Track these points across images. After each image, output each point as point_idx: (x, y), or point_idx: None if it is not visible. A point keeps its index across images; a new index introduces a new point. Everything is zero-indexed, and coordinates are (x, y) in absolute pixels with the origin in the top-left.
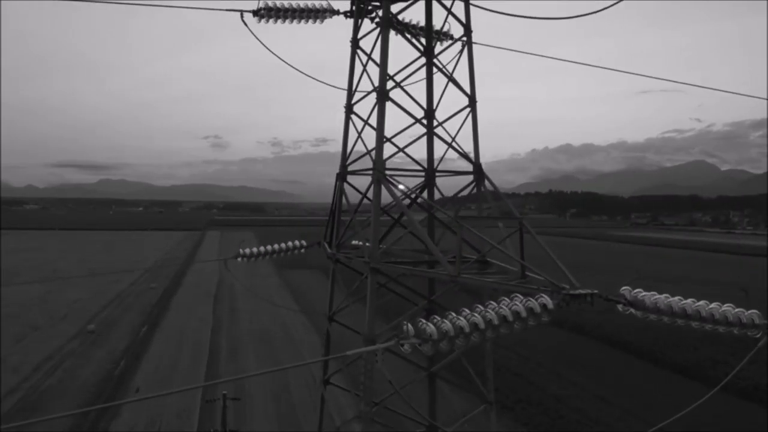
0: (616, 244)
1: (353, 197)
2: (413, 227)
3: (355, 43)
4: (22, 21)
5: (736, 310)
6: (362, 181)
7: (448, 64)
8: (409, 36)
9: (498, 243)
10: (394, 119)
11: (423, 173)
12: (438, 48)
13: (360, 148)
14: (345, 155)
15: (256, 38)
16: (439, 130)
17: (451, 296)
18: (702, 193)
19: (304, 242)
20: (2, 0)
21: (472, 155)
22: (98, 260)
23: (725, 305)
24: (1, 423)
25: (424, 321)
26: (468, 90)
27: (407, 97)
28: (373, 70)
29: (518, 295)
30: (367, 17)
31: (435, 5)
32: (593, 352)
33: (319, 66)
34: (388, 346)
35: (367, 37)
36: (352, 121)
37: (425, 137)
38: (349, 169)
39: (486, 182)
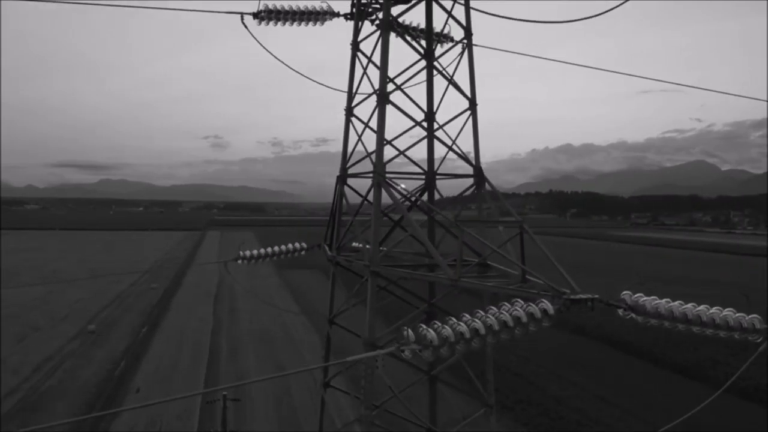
0: (616, 244)
1: (353, 199)
2: (413, 230)
3: (355, 46)
4: (22, 21)
5: (737, 314)
6: (362, 183)
7: (448, 66)
8: (409, 38)
9: (499, 246)
10: (395, 121)
11: (423, 176)
12: (438, 50)
13: (360, 150)
14: (345, 158)
15: (257, 41)
16: (439, 133)
17: (452, 299)
18: (702, 193)
19: (304, 244)
20: (2, 0)
21: (472, 157)
22: (98, 260)
23: (726, 310)
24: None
25: (424, 326)
26: (468, 93)
27: (407, 99)
28: (374, 73)
29: (519, 299)
30: (367, 19)
31: (435, 7)
32: (593, 353)
33: (319, 67)
34: (388, 351)
35: (368, 39)
36: (353, 123)
37: (425, 140)
38: (350, 171)
39: (486, 185)
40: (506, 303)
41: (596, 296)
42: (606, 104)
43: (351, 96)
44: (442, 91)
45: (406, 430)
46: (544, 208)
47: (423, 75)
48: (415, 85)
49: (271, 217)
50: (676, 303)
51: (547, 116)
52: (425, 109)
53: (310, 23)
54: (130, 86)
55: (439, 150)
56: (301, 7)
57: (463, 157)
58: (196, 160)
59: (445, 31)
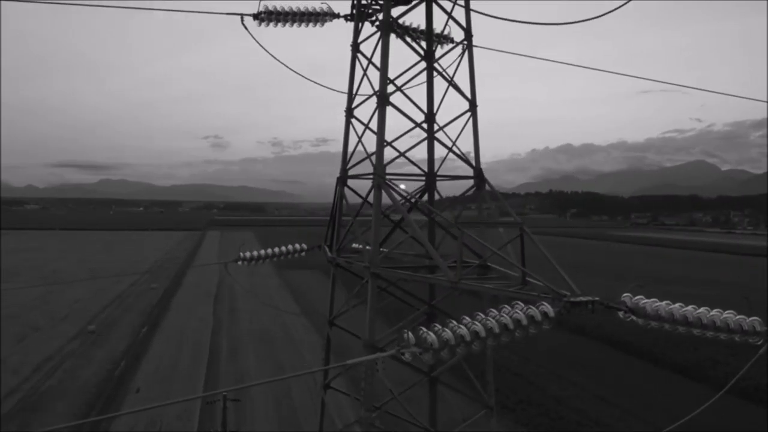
0: (616, 244)
1: (353, 199)
2: (414, 231)
3: (355, 47)
4: (22, 21)
5: (738, 317)
6: (363, 184)
7: (448, 67)
8: (409, 40)
9: (499, 248)
10: (395, 122)
11: (423, 177)
12: (439, 52)
13: (360, 151)
14: (345, 159)
15: (257, 42)
16: (439, 134)
17: (453, 300)
18: (702, 193)
19: (304, 245)
20: (2, 1)
21: (472, 158)
22: (98, 260)
23: (726, 312)
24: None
25: (424, 329)
26: (468, 94)
27: (408, 100)
28: (374, 74)
29: (519, 302)
30: (367, 21)
31: (435, 9)
32: (593, 353)
33: (319, 67)
34: (388, 354)
35: (368, 40)
36: (353, 124)
37: (426, 141)
38: (350, 173)
39: (486, 186)
40: (506, 305)
41: (596, 299)
42: (606, 104)
43: (351, 97)
44: (443, 93)
45: (406, 431)
46: (544, 208)
47: (423, 76)
48: (416, 86)
49: (271, 217)
50: (677, 305)
51: (547, 116)
52: (425, 110)
53: (310, 24)
54: (130, 86)
55: (440, 151)
56: (301, 9)
57: (464, 158)
58: (196, 160)
59: (446, 32)
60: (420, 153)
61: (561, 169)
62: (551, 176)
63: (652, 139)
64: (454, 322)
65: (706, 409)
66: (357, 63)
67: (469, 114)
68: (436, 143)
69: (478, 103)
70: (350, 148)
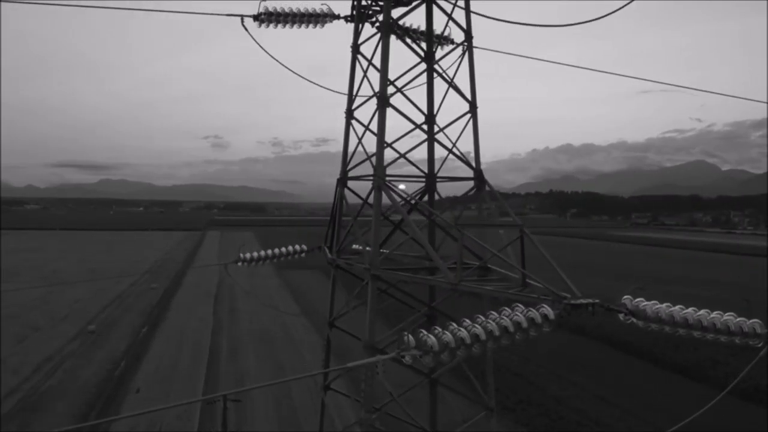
0: (616, 244)
1: (353, 200)
2: (414, 233)
3: (355, 49)
4: (22, 21)
5: (738, 319)
6: (363, 184)
7: (448, 68)
8: (409, 41)
9: (499, 250)
10: (395, 123)
11: (423, 178)
12: (439, 53)
13: (360, 152)
14: (345, 161)
15: (257, 44)
16: (440, 136)
17: (453, 301)
18: (702, 193)
19: (304, 246)
20: (3, 2)
21: (472, 159)
22: (98, 260)
23: (727, 314)
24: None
25: (425, 332)
26: (469, 96)
27: (408, 101)
28: (374, 75)
29: (519, 304)
30: (367, 22)
31: (436, 10)
32: (593, 353)
33: (319, 67)
34: (389, 357)
35: (368, 42)
36: (353, 126)
37: (426, 142)
38: (350, 174)
39: (487, 188)
40: (507, 308)
41: (597, 301)
42: (606, 104)
43: (351, 98)
44: (443, 94)
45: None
46: (545, 208)
47: (423, 77)
48: (416, 87)
49: (272, 217)
50: (677, 308)
51: (547, 116)
52: (425, 111)
53: (311, 25)
54: (130, 86)
55: (440, 152)
56: (302, 10)
57: (464, 160)
58: (197, 160)
59: (446, 34)
60: (420, 154)
61: (561, 169)
62: (551, 176)
63: (652, 139)
64: (454, 325)
65: (707, 410)
66: (357, 64)
67: (469, 115)
68: (436, 144)
69: (478, 104)
70: (350, 150)
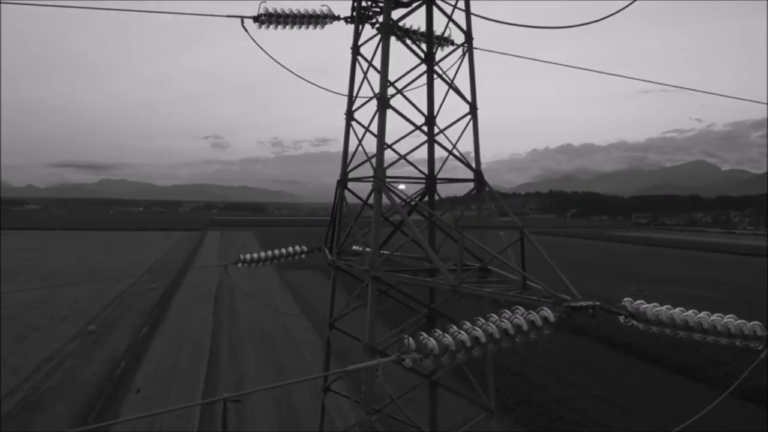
0: (616, 244)
1: (353, 201)
2: (414, 235)
3: (355, 50)
4: (22, 21)
5: (738, 321)
6: (363, 185)
7: (448, 70)
8: (409, 42)
9: (499, 252)
10: (395, 124)
11: (424, 180)
12: (439, 54)
13: (360, 153)
14: (345, 162)
15: (257, 45)
16: (440, 137)
17: (453, 303)
18: (702, 193)
19: (304, 248)
20: (3, 3)
21: (473, 161)
22: (98, 260)
23: (727, 316)
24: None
25: (425, 335)
26: (469, 97)
27: (408, 103)
28: (374, 77)
29: (519, 307)
30: (367, 23)
31: (436, 11)
32: (593, 353)
33: (320, 67)
34: (389, 360)
35: (368, 43)
36: (353, 127)
37: (426, 144)
38: (350, 175)
39: (487, 189)
40: (507, 310)
41: (597, 303)
42: (606, 104)
43: (351, 100)
44: (443, 95)
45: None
46: (545, 208)
47: (423, 78)
48: (416, 88)
49: (272, 217)
50: (677, 310)
51: (547, 116)
52: (426, 112)
53: (311, 27)
54: (130, 86)
55: (440, 153)
56: (302, 11)
57: (464, 161)
58: (197, 160)
59: (446, 35)
60: (420, 154)
61: (561, 169)
62: (551, 176)
63: (652, 139)
64: (455, 327)
65: (708, 410)
66: (357, 65)
67: (469, 117)
68: (436, 146)
69: (478, 104)
70: (350, 151)
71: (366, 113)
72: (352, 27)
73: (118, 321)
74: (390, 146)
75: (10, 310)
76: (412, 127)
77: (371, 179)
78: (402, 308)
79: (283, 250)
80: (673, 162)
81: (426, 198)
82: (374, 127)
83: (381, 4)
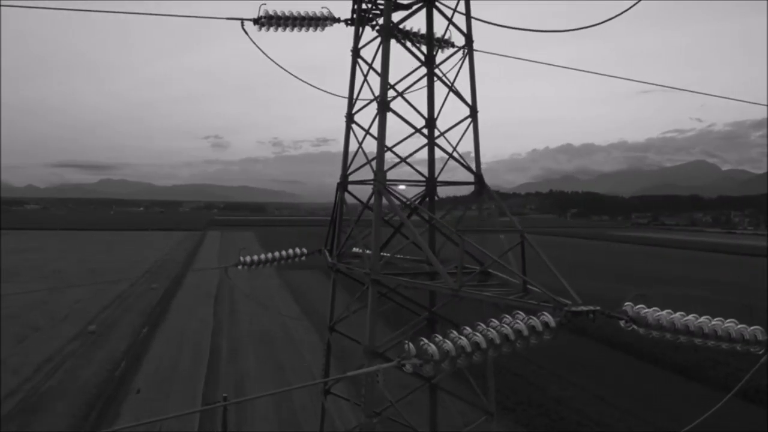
0: (616, 244)
1: (353, 202)
2: (414, 238)
3: (355, 52)
4: (22, 21)
5: (739, 326)
6: (363, 188)
7: (448, 72)
8: (409, 45)
9: (499, 256)
10: (395, 127)
11: (424, 183)
12: (440, 57)
13: (361, 155)
14: (345, 165)
15: (258, 47)
16: (440, 139)
17: (453, 306)
18: (703, 193)
19: (305, 250)
20: (2, 4)
21: (473, 163)
22: (98, 260)
23: (728, 321)
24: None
25: (425, 340)
26: (469, 100)
27: (408, 105)
28: (374, 79)
29: (520, 312)
30: (368, 25)
31: (436, 13)
32: (593, 353)
33: (320, 68)
34: (389, 366)
35: (369, 45)
36: (353, 130)
37: (426, 146)
38: (350, 178)
39: (488, 191)
40: (507, 315)
41: (597, 308)
42: (606, 104)
43: (351, 102)
44: (443, 98)
45: None
46: (545, 208)
47: (423, 81)
48: (416, 90)
49: (272, 217)
50: (678, 314)
51: (547, 116)
52: (426, 115)
53: (311, 29)
54: (130, 86)
55: (440, 155)
56: (302, 13)
57: (464, 164)
58: (197, 160)
59: (446, 37)
60: (420, 156)
61: (561, 169)
62: (551, 176)
63: (652, 139)
64: (455, 333)
65: (706, 410)
66: (357, 68)
67: (469, 119)
68: (436, 148)
69: (479, 105)
70: (351, 154)
71: (366, 115)
72: (352, 29)
73: (119, 321)
74: (390, 149)
75: (10, 310)
76: (412, 130)
77: (372, 182)
78: (403, 310)
79: (284, 252)
80: (673, 162)
81: (426, 200)
82: (374, 130)
83: (381, 7)
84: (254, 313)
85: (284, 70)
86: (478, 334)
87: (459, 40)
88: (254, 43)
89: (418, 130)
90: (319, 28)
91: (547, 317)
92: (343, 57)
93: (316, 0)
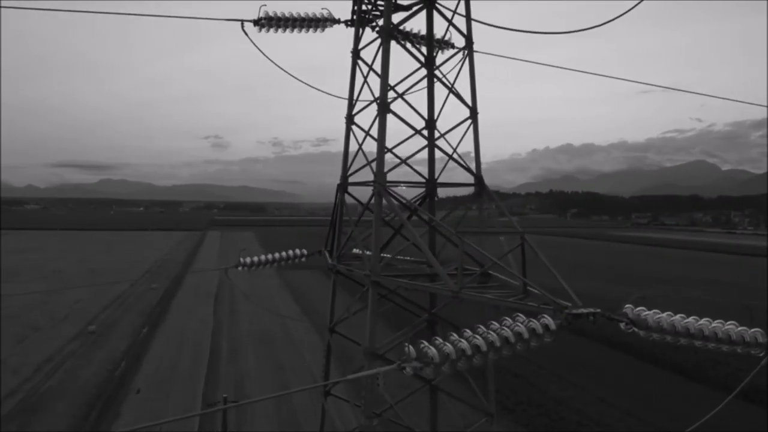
0: (616, 244)
1: (353, 203)
2: (414, 239)
3: (355, 54)
4: (22, 21)
5: (740, 328)
6: (363, 189)
7: (448, 73)
8: (409, 46)
9: (500, 258)
10: (395, 128)
11: (424, 184)
12: (440, 58)
13: (361, 157)
14: (346, 166)
15: (258, 49)
16: (440, 141)
17: (453, 307)
18: (703, 193)
19: (305, 251)
20: (2, 4)
21: (473, 165)
22: (98, 260)
23: (728, 323)
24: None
25: (425, 343)
26: (469, 101)
27: (408, 107)
28: (374, 81)
29: (520, 314)
30: (368, 26)
31: (436, 15)
32: (593, 354)
33: (320, 68)
34: (389, 369)
35: (369, 46)
36: (353, 131)
37: (426, 148)
38: (350, 179)
39: (488, 193)
40: (507, 318)
41: (598, 311)
42: (606, 104)
43: (351, 104)
44: (443, 99)
45: None
46: (545, 208)
47: (424, 82)
48: (416, 91)
49: (272, 217)
50: (678, 317)
51: (547, 116)
52: (426, 116)
53: (311, 30)
54: (130, 86)
55: (440, 156)
56: (302, 14)
57: (464, 166)
58: (197, 160)
59: (446, 38)
60: (420, 157)
61: (561, 169)
62: (551, 176)
63: (652, 139)
64: (455, 335)
65: (707, 410)
66: (357, 69)
67: (469, 121)
68: (436, 150)
69: (479, 108)
70: (351, 155)
71: (366, 116)
72: (352, 30)
73: (119, 321)
74: (390, 150)
75: (10, 310)
76: (412, 131)
77: (372, 184)
78: (403, 310)
79: (284, 254)
80: (673, 162)
81: (426, 201)
82: (374, 131)
83: (381, 8)
84: (254, 313)
85: (284, 71)
86: (478, 336)
87: (459, 41)
88: (254, 44)
89: (418, 132)
90: (319, 30)
91: (548, 320)
92: (343, 58)
93: (316, 0)
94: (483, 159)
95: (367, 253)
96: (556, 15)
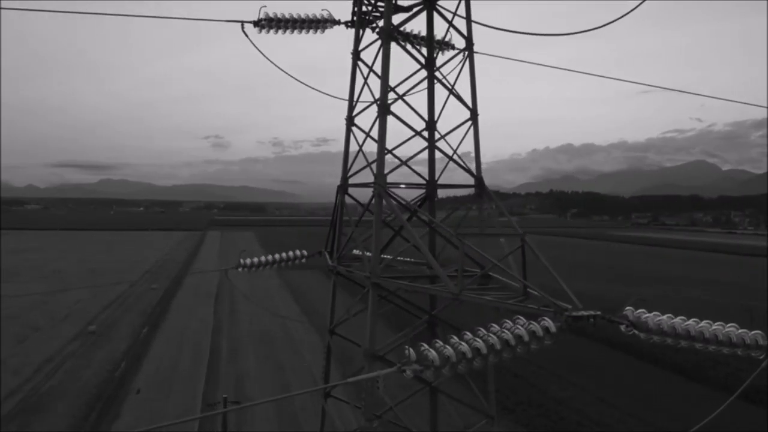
0: (616, 244)
1: (354, 204)
2: (415, 241)
3: (356, 55)
4: (22, 21)
5: (740, 331)
6: (363, 190)
7: (449, 74)
8: (410, 47)
9: (500, 260)
10: (396, 129)
11: (424, 185)
12: (440, 59)
13: (361, 158)
14: (346, 167)
15: (258, 50)
16: (440, 142)
17: (453, 309)
18: (703, 193)
19: (305, 252)
20: (2, 5)
21: (473, 166)
22: (98, 260)
23: (728, 326)
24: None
25: (425, 346)
26: (469, 103)
27: (408, 108)
28: (374, 82)
29: (520, 317)
30: (368, 27)
31: (436, 16)
32: (593, 354)
33: (320, 69)
34: (389, 372)
35: (369, 48)
36: (353, 132)
37: (426, 149)
38: (350, 180)
39: (488, 194)
40: (508, 320)
41: (598, 313)
42: (606, 104)
43: (352, 105)
44: (443, 100)
45: None
46: (545, 208)
47: (424, 84)
48: (416, 93)
49: (272, 217)
50: (678, 319)
51: (547, 116)
52: (426, 117)
53: (311, 31)
54: (130, 86)
55: (441, 159)
56: (302, 15)
57: (464, 167)
58: (197, 160)
59: (446, 39)
60: (420, 158)
61: (561, 169)
62: (552, 176)
63: (652, 139)
64: (455, 338)
65: (708, 411)
66: (358, 71)
67: (470, 122)
68: (437, 151)
69: (479, 108)
70: (351, 156)
71: (367, 117)
72: (352, 31)
73: (119, 321)
74: (390, 151)
75: (10, 311)
76: (412, 132)
77: (372, 185)
78: (403, 312)
79: (284, 255)
80: (673, 162)
81: (426, 203)
82: (375, 133)
83: (381, 9)
84: (254, 313)
85: (285, 72)
86: (478, 339)
87: (459, 42)
88: (254, 45)
89: (418, 133)
90: (319, 31)
91: (548, 322)
92: (343, 59)
93: (316, 1)
94: (483, 159)
95: (368, 254)
96: (556, 15)
